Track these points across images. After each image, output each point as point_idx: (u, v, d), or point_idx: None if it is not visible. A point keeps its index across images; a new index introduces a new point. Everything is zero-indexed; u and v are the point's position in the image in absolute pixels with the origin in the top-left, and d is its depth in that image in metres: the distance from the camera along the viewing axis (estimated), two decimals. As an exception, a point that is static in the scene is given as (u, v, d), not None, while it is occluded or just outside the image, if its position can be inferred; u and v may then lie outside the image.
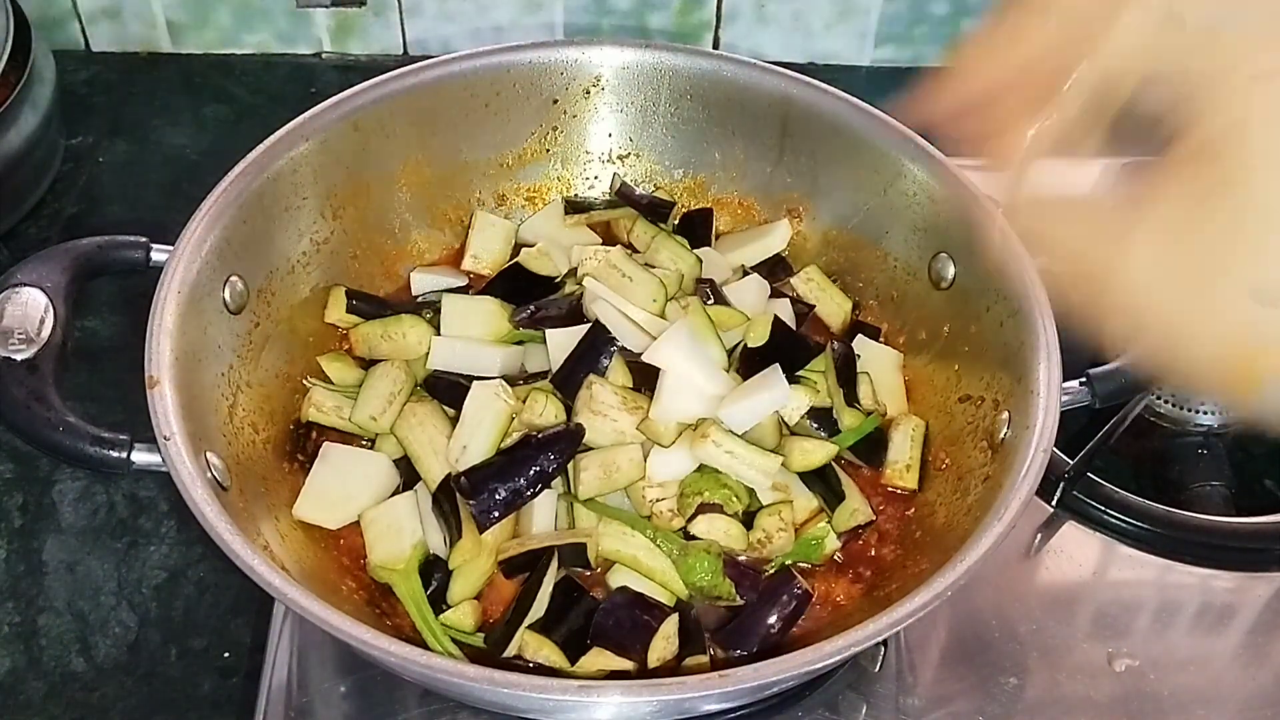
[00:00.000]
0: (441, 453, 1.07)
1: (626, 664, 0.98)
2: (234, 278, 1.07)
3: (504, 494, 1.01)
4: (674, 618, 1.00)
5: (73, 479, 1.26)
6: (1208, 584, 1.18)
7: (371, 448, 1.12)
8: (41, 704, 1.11)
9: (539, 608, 1.00)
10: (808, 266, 1.25)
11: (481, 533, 1.02)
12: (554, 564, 1.01)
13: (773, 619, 1.00)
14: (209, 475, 0.93)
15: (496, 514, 1.01)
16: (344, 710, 1.05)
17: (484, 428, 1.06)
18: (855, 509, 1.08)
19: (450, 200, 1.28)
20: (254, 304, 1.10)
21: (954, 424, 1.12)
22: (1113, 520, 1.21)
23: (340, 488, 1.06)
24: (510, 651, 0.98)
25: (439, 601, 1.03)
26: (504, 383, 1.09)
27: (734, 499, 1.06)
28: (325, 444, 1.09)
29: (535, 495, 1.03)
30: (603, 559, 1.04)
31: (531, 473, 1.02)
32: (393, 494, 1.08)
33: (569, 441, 1.04)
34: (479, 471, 1.03)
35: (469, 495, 1.01)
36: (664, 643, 0.99)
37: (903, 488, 1.11)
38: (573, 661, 0.98)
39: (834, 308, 1.24)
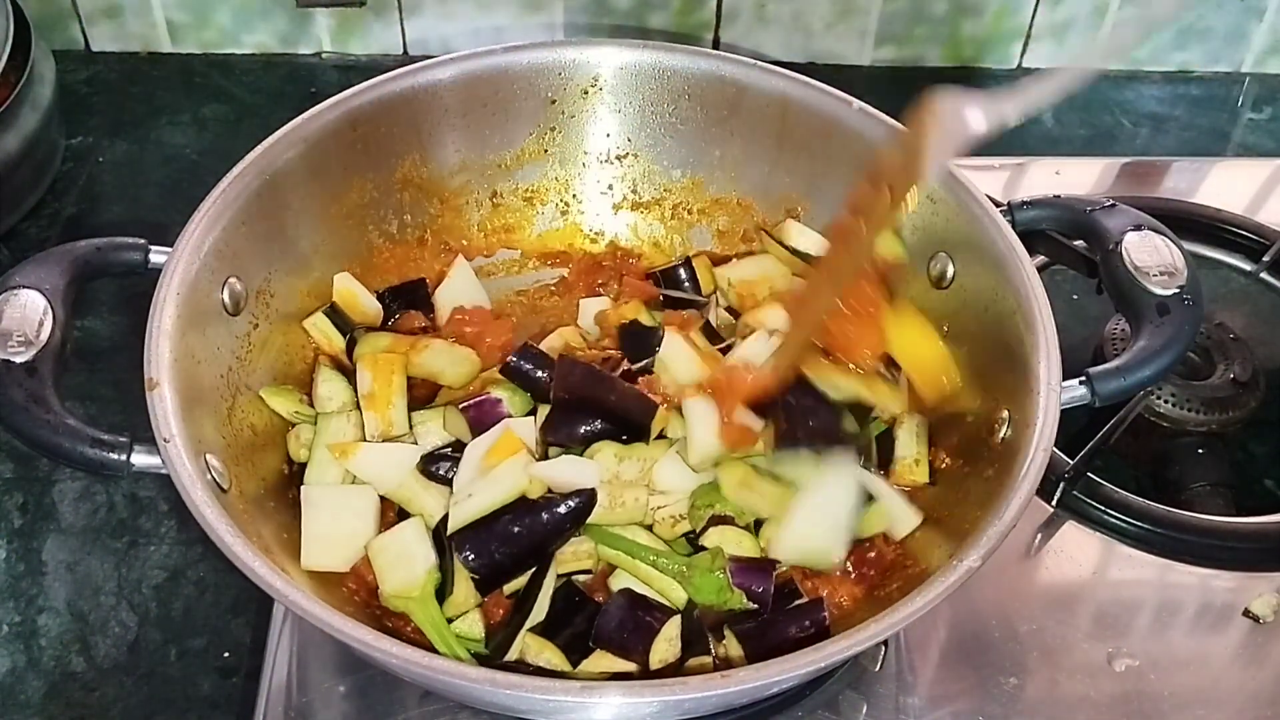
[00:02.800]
0: (432, 488, 1.06)
1: (629, 666, 0.98)
2: (233, 279, 1.07)
3: (506, 563, 1.00)
4: (676, 620, 1.00)
5: (73, 479, 1.26)
6: (1208, 584, 1.18)
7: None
8: (41, 704, 1.11)
9: (539, 611, 0.99)
10: (914, 420, 1.14)
11: (484, 595, 1.01)
12: (553, 567, 1.01)
13: (792, 632, 1.00)
14: (208, 477, 0.93)
15: (499, 584, 1.01)
16: (344, 710, 1.05)
17: (497, 489, 1.02)
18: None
19: (448, 201, 1.28)
20: (253, 305, 1.10)
21: (954, 424, 1.12)
22: (1113, 520, 1.21)
23: (338, 528, 1.04)
24: (512, 655, 0.98)
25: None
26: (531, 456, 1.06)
27: (744, 511, 1.06)
28: (304, 490, 1.06)
29: (537, 565, 1.01)
30: (603, 563, 1.04)
31: (535, 544, 1.01)
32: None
33: (580, 515, 1.03)
34: (482, 536, 1.00)
35: (468, 563, 1.00)
36: (666, 645, 0.99)
37: (914, 483, 1.11)
38: (575, 665, 0.98)
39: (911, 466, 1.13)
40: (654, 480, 1.06)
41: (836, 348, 1.08)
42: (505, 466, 1.03)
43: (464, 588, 1.00)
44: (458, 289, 1.24)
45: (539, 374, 1.11)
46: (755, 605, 1.03)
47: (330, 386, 1.12)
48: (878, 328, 1.07)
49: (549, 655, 0.98)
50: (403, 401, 1.11)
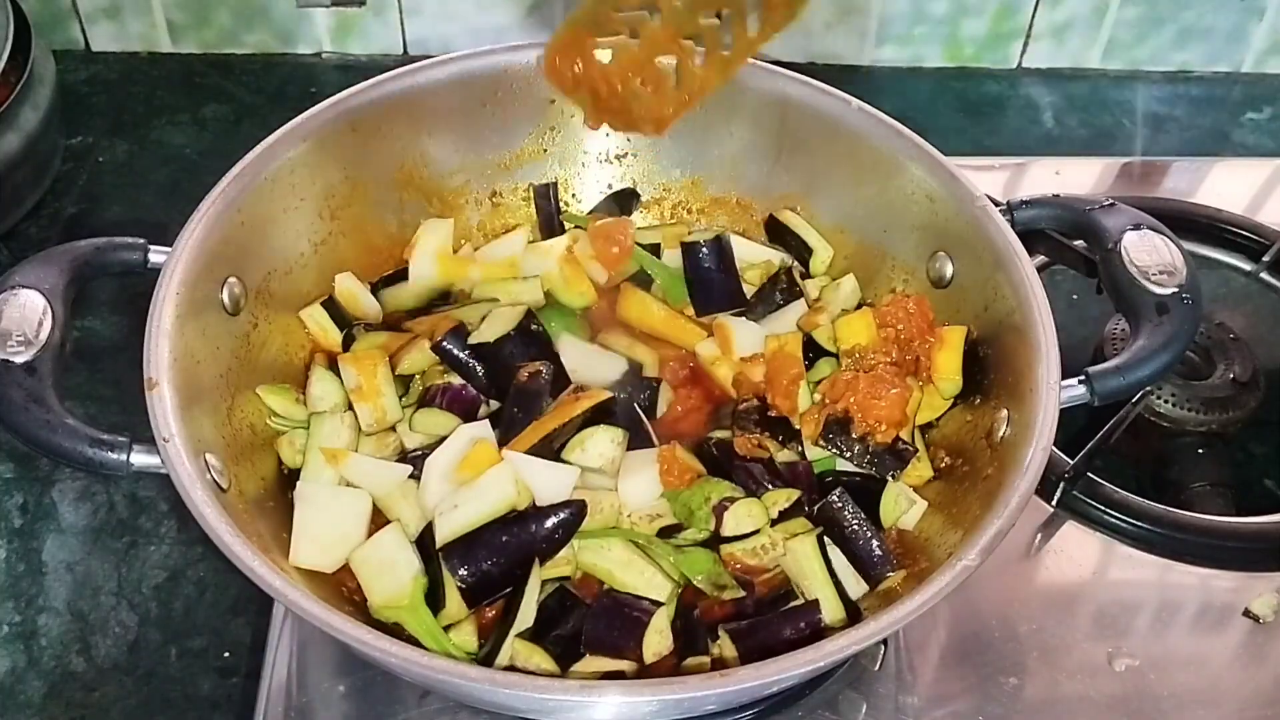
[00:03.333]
0: (412, 496, 1.05)
1: (623, 664, 0.98)
2: (232, 279, 1.07)
3: (496, 574, 0.99)
4: (663, 611, 0.99)
5: (73, 479, 1.26)
6: (1208, 584, 1.18)
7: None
8: (41, 704, 1.11)
9: (525, 617, 0.98)
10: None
11: (471, 608, 1.00)
12: (535, 573, 1.00)
13: (787, 634, 0.99)
14: (208, 476, 0.93)
15: (489, 596, 1.00)
16: (344, 710, 1.05)
17: (484, 502, 1.01)
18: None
19: (448, 201, 1.28)
20: (252, 305, 1.10)
21: (953, 423, 1.12)
22: (1113, 520, 1.21)
23: (330, 529, 1.03)
24: (501, 662, 0.96)
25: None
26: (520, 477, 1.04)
27: (736, 489, 1.06)
28: (299, 486, 1.05)
29: (527, 575, 1.00)
30: (582, 571, 1.04)
31: (526, 556, 1.00)
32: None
33: (570, 527, 1.02)
34: (472, 548, 0.99)
35: (458, 575, 0.99)
36: (658, 637, 0.98)
37: (919, 479, 1.11)
38: (566, 668, 0.97)
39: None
40: (621, 498, 1.05)
41: (858, 405, 1.09)
42: (490, 476, 1.02)
43: (456, 598, 0.99)
44: (426, 267, 1.22)
45: (462, 354, 1.12)
46: (743, 591, 1.03)
47: (323, 386, 1.12)
48: (902, 405, 1.08)
49: (539, 660, 0.97)
50: (391, 390, 1.11)
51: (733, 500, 1.04)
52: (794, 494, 1.07)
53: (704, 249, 1.22)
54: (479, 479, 1.02)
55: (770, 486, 1.07)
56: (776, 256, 1.26)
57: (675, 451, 1.07)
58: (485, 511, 1.01)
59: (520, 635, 0.98)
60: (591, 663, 0.97)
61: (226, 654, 1.14)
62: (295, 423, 1.11)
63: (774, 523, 1.05)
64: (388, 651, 0.84)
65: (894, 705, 1.07)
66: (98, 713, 1.11)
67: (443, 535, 1.00)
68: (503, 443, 1.05)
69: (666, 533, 1.06)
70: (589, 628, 0.98)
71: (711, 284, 1.23)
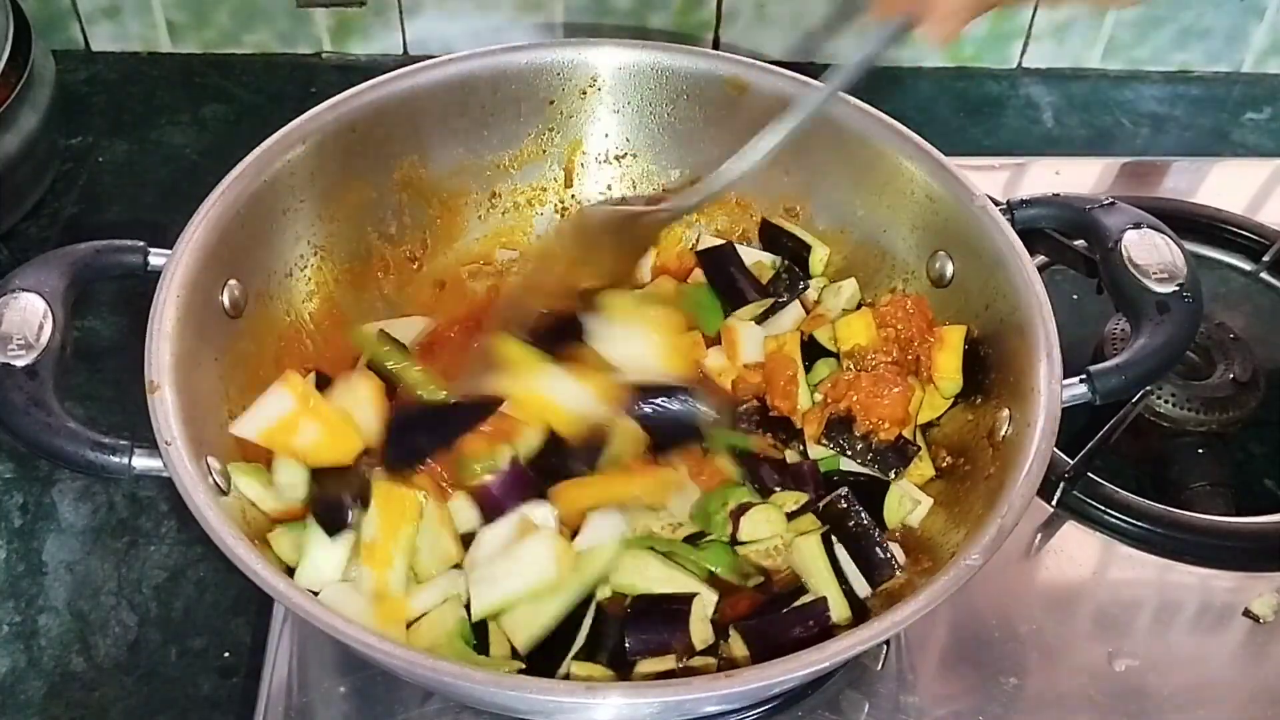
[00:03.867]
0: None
1: (672, 663, 0.97)
2: (232, 281, 1.07)
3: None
4: (700, 599, 0.98)
5: (72, 479, 1.26)
6: (1208, 584, 1.18)
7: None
8: (41, 704, 1.11)
9: (580, 638, 0.96)
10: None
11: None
12: (594, 601, 0.98)
13: (796, 632, 0.99)
14: (210, 479, 0.93)
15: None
16: (344, 710, 1.05)
17: (521, 580, 0.97)
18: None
19: (447, 202, 1.28)
20: (252, 307, 1.10)
21: (954, 423, 1.12)
22: (1113, 520, 1.21)
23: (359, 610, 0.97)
24: None
25: None
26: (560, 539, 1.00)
27: (754, 495, 1.06)
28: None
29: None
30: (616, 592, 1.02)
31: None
32: None
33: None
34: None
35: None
36: (702, 624, 0.97)
37: (920, 478, 1.11)
38: (625, 675, 0.96)
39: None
40: (673, 509, 1.05)
41: (860, 404, 1.09)
42: (529, 548, 0.98)
43: (499, 648, 0.98)
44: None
45: None
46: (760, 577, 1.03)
47: (290, 473, 1.02)
48: (905, 404, 1.08)
49: (599, 675, 0.95)
50: (404, 563, 0.98)
51: (750, 505, 1.04)
52: (803, 497, 1.07)
53: (719, 253, 1.23)
54: (518, 546, 0.98)
55: (779, 488, 1.07)
56: (777, 259, 1.27)
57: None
58: (522, 590, 0.97)
59: (575, 657, 0.96)
60: (644, 666, 0.96)
61: (226, 654, 1.14)
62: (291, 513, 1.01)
63: (782, 521, 1.06)
64: (390, 653, 0.84)
65: (895, 705, 1.08)
66: (98, 713, 1.11)
67: (480, 609, 0.97)
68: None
69: (690, 541, 1.05)
70: (632, 636, 0.96)
71: (737, 279, 1.23)
